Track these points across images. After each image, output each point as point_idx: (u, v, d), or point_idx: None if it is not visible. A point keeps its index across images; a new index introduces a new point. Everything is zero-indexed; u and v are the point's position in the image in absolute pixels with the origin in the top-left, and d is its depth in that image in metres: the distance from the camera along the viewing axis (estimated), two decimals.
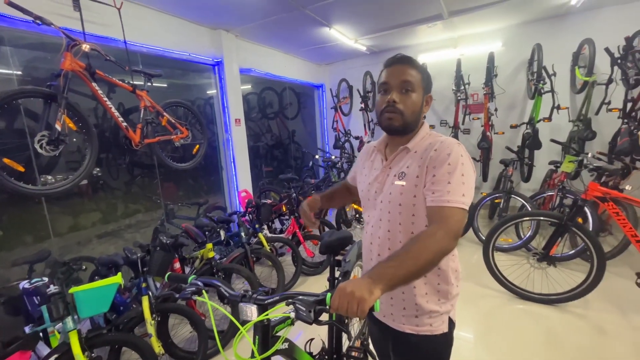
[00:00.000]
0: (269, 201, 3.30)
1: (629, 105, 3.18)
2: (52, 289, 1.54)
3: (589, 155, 2.80)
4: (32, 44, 2.45)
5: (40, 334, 1.67)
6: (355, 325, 1.87)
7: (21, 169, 1.99)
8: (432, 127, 3.97)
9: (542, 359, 1.95)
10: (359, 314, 0.68)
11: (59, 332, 1.62)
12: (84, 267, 2.05)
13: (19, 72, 2.39)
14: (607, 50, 3.16)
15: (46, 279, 1.87)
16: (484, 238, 2.86)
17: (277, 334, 0.96)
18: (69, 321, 1.50)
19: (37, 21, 1.98)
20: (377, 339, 1.24)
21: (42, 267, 2.24)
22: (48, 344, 1.70)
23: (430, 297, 0.99)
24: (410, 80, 0.94)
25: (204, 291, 0.97)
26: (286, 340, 0.99)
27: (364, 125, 5.47)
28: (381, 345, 1.22)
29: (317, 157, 5.10)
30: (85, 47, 2.17)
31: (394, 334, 1.05)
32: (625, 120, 3.18)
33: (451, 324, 1.02)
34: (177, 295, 1.01)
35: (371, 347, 1.59)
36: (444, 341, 1.01)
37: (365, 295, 0.68)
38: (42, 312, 1.60)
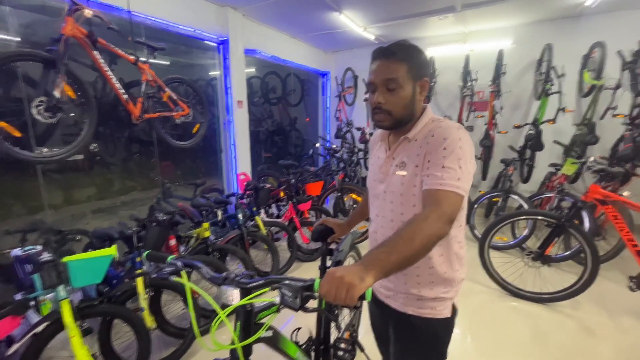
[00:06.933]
0: (267, 185, 3.27)
1: (635, 111, 3.16)
2: (45, 256, 1.51)
3: (592, 158, 2.80)
4: (32, 5, 2.37)
5: (31, 302, 1.66)
6: (345, 317, 1.85)
7: (18, 133, 1.94)
8: None
9: (528, 355, 1.98)
10: (348, 300, 0.64)
11: (50, 302, 1.61)
12: (78, 237, 2.03)
13: (18, 39, 2.32)
14: (619, 53, 3.12)
15: (39, 247, 1.84)
16: (479, 236, 2.87)
17: (262, 321, 0.91)
18: (61, 290, 1.48)
19: None
20: (377, 319, 1.23)
21: (35, 237, 2.21)
22: (39, 312, 1.69)
23: (435, 285, 0.98)
24: (393, 77, 0.89)
25: (183, 272, 0.92)
26: (270, 327, 0.95)
27: (367, 116, 5.43)
28: (380, 327, 1.22)
29: (317, 145, 5.06)
30: (88, 12, 2.09)
31: (396, 315, 1.04)
32: (630, 127, 3.17)
33: (454, 310, 1.02)
34: (153, 275, 0.95)
35: (360, 339, 1.58)
36: (445, 326, 1.01)
37: (356, 282, 0.64)
38: (33, 280, 1.58)
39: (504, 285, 2.61)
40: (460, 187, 0.83)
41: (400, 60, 0.90)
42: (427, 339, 1.01)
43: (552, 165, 3.48)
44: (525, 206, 3.34)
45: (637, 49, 3.12)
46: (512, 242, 3.27)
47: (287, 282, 0.78)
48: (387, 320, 1.11)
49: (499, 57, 4.17)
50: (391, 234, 0.98)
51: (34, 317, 1.68)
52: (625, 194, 2.64)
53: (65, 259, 1.48)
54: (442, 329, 1.01)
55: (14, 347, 1.45)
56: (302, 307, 0.74)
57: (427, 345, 1.03)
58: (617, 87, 3.33)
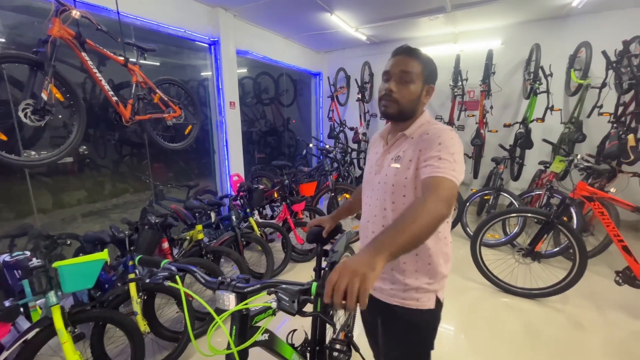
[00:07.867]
0: (261, 186, 3.26)
1: (620, 109, 3.24)
2: (35, 262, 1.49)
3: (578, 157, 2.87)
4: (17, 6, 2.32)
5: (21, 309, 1.63)
6: (340, 318, 1.85)
7: (3, 137, 1.90)
8: None
9: (520, 349, 2.02)
10: (361, 292, 0.60)
11: (41, 308, 1.58)
12: (68, 242, 1.99)
13: (3, 40, 2.27)
14: (603, 53, 3.19)
15: (28, 253, 1.81)
16: (471, 233, 2.91)
17: (257, 325, 0.91)
18: (51, 296, 1.45)
19: None
20: (366, 314, 1.27)
21: (23, 242, 2.17)
22: (29, 319, 1.66)
23: (419, 275, 1.03)
24: (409, 71, 0.99)
25: (177, 277, 0.91)
26: (266, 331, 0.94)
27: (360, 116, 5.45)
28: (370, 321, 1.26)
29: (311, 145, 5.06)
30: (76, 13, 2.06)
31: (383, 307, 1.08)
32: (615, 125, 3.25)
33: (438, 303, 1.06)
34: (147, 280, 0.94)
35: (355, 339, 1.59)
36: (430, 318, 1.05)
37: (367, 271, 0.61)
38: (23, 286, 1.55)
39: (495, 282, 2.65)
40: (455, 175, 0.88)
41: (418, 60, 1.01)
42: (412, 328, 1.05)
43: (541, 163, 3.55)
44: (516, 204, 3.39)
45: (621, 49, 3.20)
46: (503, 240, 3.33)
47: (284, 286, 0.77)
48: (375, 314, 1.15)
49: (488, 57, 4.23)
50: (381, 222, 1.05)
51: (24, 324, 1.65)
52: (611, 190, 2.71)
53: (56, 264, 1.46)
54: (426, 319, 1.05)
55: (4, 354, 1.42)
56: (300, 311, 0.74)
57: (412, 335, 1.06)
58: (603, 86, 3.40)
